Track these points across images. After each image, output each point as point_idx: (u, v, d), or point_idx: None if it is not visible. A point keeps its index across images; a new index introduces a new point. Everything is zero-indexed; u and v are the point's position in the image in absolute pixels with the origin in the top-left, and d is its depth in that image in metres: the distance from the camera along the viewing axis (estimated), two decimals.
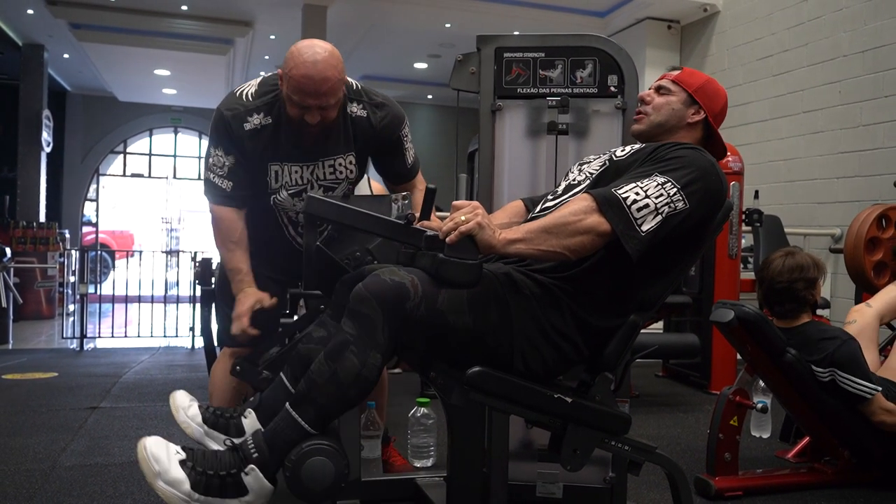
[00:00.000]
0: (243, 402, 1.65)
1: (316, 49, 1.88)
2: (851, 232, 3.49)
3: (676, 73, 1.76)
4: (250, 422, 1.54)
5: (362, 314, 1.36)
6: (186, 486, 1.33)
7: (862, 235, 3.42)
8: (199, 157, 14.18)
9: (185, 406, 1.58)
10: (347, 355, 1.35)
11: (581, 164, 1.76)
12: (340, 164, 2.11)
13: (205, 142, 14.45)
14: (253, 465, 1.36)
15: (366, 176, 2.58)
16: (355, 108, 2.08)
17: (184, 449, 1.40)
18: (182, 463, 1.36)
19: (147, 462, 1.35)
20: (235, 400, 2.14)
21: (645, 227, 1.42)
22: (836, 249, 4.51)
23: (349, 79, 2.06)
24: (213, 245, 2.13)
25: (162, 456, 1.35)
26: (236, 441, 1.45)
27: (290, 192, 2.10)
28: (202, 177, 2.11)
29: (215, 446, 1.52)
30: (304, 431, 1.37)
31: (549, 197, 1.72)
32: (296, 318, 2.23)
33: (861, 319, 2.69)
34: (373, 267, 1.56)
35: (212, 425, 1.56)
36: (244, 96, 2.04)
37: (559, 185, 1.76)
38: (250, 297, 1.97)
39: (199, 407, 1.59)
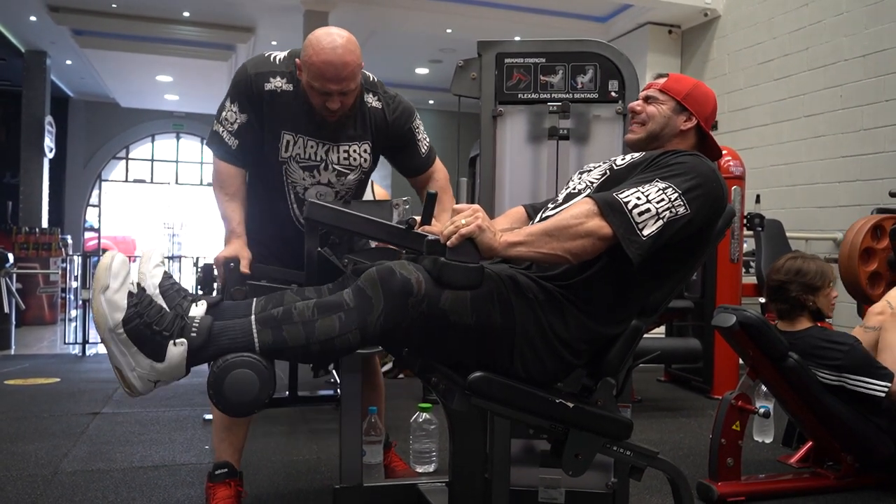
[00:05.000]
0: (203, 295, 1.60)
1: (334, 36, 1.91)
2: (846, 242, 3.49)
3: (663, 80, 1.76)
4: (197, 310, 1.47)
5: (366, 294, 1.36)
6: (120, 316, 1.33)
7: (857, 246, 3.43)
8: (202, 163, 14.22)
9: (154, 262, 1.51)
10: (333, 317, 1.36)
11: (581, 173, 1.76)
12: (355, 152, 2.14)
13: (206, 147, 14.55)
14: (185, 341, 1.35)
15: (369, 181, 2.58)
16: (371, 99, 2.13)
17: (139, 286, 1.39)
18: (130, 295, 1.36)
19: (106, 272, 1.34)
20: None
21: (646, 232, 1.43)
22: (831, 259, 4.50)
23: (366, 71, 2.09)
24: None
25: (120, 277, 1.35)
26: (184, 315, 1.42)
27: (301, 164, 2.10)
28: (211, 128, 2.12)
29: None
30: (250, 346, 1.36)
31: (550, 205, 1.72)
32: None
33: (890, 325, 2.68)
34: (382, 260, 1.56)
35: (163, 293, 1.49)
36: (272, 59, 2.07)
37: (560, 193, 1.76)
38: (230, 250, 1.97)
39: (164, 273, 1.53)
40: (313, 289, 1.62)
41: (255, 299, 1.55)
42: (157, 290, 1.46)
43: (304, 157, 2.10)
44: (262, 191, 2.18)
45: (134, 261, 1.50)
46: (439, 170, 2.32)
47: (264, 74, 2.03)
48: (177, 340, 1.35)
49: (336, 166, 2.13)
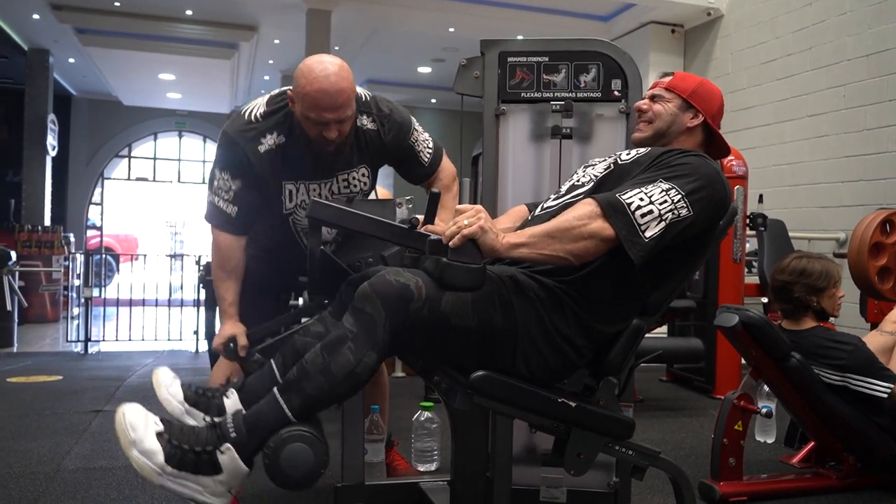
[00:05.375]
0: (227, 383, 1.66)
1: (326, 63, 1.85)
2: (855, 237, 3.48)
3: (668, 79, 1.76)
4: (232, 402, 1.52)
5: (365, 313, 1.36)
6: (160, 457, 1.32)
7: (866, 240, 3.42)
8: (204, 161, 14.22)
9: (167, 383, 1.56)
10: (344, 351, 1.35)
11: (586, 167, 1.76)
12: (354, 178, 2.10)
13: (209, 145, 14.51)
14: (229, 445, 1.35)
15: None
16: (366, 121, 2.06)
17: (162, 421, 1.39)
18: (159, 435, 1.35)
19: (123, 430, 1.35)
20: None
21: (648, 234, 1.42)
22: (840, 254, 4.50)
23: (358, 89, 2.04)
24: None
25: (139, 425, 1.35)
26: (217, 419, 1.43)
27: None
28: (206, 199, 2.06)
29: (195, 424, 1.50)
30: (286, 418, 1.37)
31: (552, 196, 1.72)
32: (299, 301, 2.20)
33: None
34: (378, 268, 1.56)
35: (193, 403, 1.54)
36: (254, 117, 1.99)
37: (563, 185, 1.76)
38: (227, 331, 1.97)
39: (182, 385, 1.57)
40: (317, 320, 1.64)
41: (272, 361, 1.58)
42: (184, 406, 1.51)
43: (309, 201, 2.04)
44: (269, 240, 2.15)
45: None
46: (444, 168, 2.25)
47: (254, 138, 1.96)
48: (222, 448, 1.35)
49: (339, 197, 2.08)
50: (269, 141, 1.97)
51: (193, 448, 1.34)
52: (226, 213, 2.02)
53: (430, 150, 2.20)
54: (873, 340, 2.66)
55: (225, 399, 1.53)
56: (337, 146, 1.95)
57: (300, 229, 2.10)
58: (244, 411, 1.42)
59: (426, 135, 2.18)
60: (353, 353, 1.35)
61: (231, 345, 1.91)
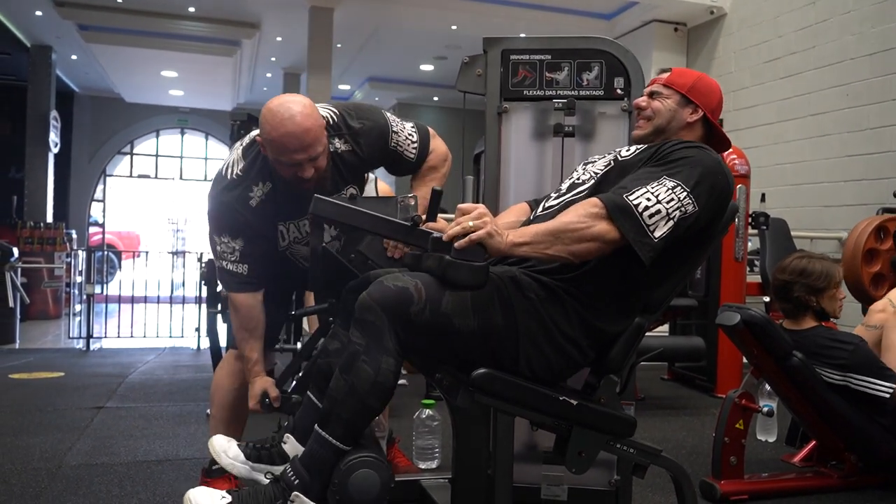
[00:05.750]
0: (278, 430, 1.72)
1: (288, 104, 1.80)
2: (849, 243, 3.48)
3: (666, 75, 1.75)
4: (291, 446, 1.57)
5: (368, 322, 1.37)
6: None
7: (860, 247, 3.42)
8: (206, 159, 14.25)
9: (225, 449, 1.61)
10: (360, 366, 1.37)
11: (586, 164, 1.75)
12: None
13: (211, 142, 14.48)
14: (297, 493, 1.38)
15: (373, 176, 2.57)
16: (339, 144, 1.98)
17: (228, 492, 1.42)
18: None
19: None
20: (237, 402, 2.15)
21: (658, 233, 1.42)
22: (835, 260, 4.50)
23: (323, 111, 1.95)
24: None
25: None
26: (276, 472, 1.49)
27: (301, 243, 2.06)
28: (215, 265, 2.06)
29: (265, 480, 1.55)
30: (336, 449, 1.40)
31: (553, 195, 1.72)
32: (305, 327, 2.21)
33: (892, 324, 2.67)
34: (378, 273, 1.56)
35: (255, 460, 1.60)
36: (236, 175, 1.97)
37: (563, 183, 1.76)
38: (258, 387, 2.00)
39: (238, 445, 1.62)
40: (331, 337, 1.68)
41: (308, 393, 1.63)
42: (248, 464, 1.58)
43: (301, 235, 2.05)
44: (274, 275, 2.14)
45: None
46: (434, 149, 2.11)
47: (243, 194, 1.95)
48: (291, 497, 1.39)
49: (341, 195, 2.04)
50: (257, 193, 1.96)
51: None
52: (237, 274, 2.02)
53: (415, 144, 2.06)
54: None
55: (283, 445, 1.59)
56: (316, 182, 1.89)
57: (300, 259, 2.10)
58: (299, 456, 1.46)
59: (407, 130, 2.05)
60: (370, 364, 1.37)
61: (266, 400, 1.96)
